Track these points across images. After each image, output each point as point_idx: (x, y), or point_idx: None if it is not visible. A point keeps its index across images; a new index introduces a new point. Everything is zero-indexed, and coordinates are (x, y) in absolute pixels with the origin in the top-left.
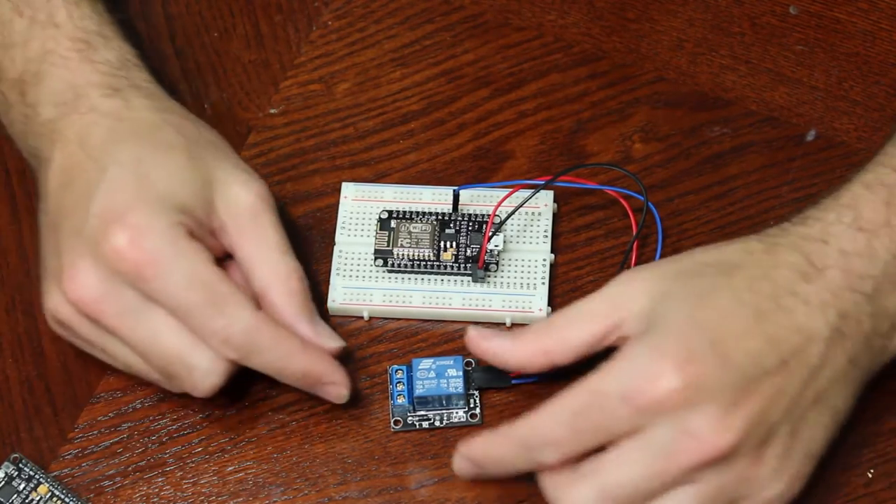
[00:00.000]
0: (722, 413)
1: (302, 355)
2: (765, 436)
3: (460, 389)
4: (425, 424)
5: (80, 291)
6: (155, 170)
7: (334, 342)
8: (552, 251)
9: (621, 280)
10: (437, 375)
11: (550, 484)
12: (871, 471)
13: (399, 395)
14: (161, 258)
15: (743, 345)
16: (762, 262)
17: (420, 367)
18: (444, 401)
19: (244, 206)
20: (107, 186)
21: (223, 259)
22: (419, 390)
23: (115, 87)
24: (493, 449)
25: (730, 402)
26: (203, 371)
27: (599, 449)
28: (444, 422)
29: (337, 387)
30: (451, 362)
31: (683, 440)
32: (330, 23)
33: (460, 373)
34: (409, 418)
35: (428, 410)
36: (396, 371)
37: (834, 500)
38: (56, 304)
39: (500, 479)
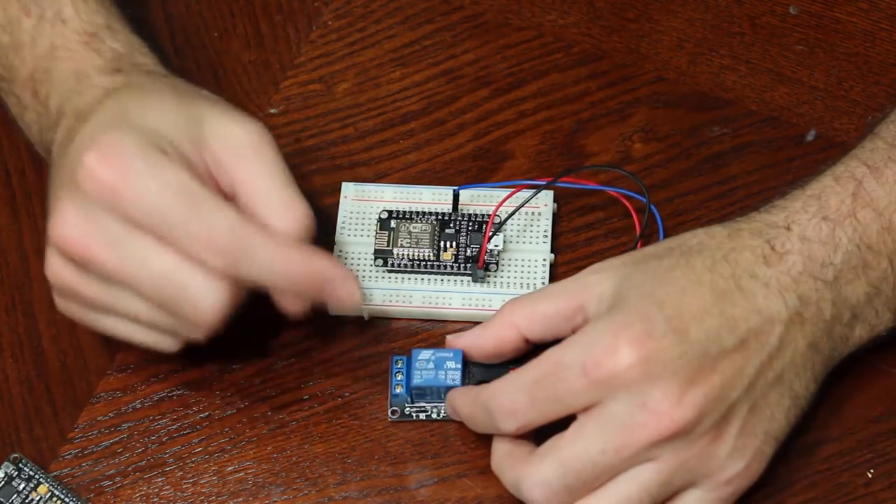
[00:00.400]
0: (680, 388)
1: (300, 253)
2: (724, 413)
3: (457, 382)
4: (422, 416)
5: (62, 230)
6: (137, 110)
7: (352, 285)
8: (552, 251)
9: (594, 267)
10: (436, 367)
11: (507, 468)
12: (871, 471)
13: (398, 384)
14: (132, 171)
15: (701, 323)
16: (723, 245)
17: (419, 358)
18: (443, 393)
19: (241, 140)
20: (88, 128)
21: None
22: (416, 380)
23: (118, 69)
24: (464, 408)
25: (688, 378)
26: (199, 290)
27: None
28: (442, 414)
29: (347, 282)
30: (451, 355)
31: (642, 414)
32: (330, 23)
33: (459, 365)
34: (407, 409)
35: (426, 402)
36: (397, 361)
37: (834, 499)
38: (50, 265)
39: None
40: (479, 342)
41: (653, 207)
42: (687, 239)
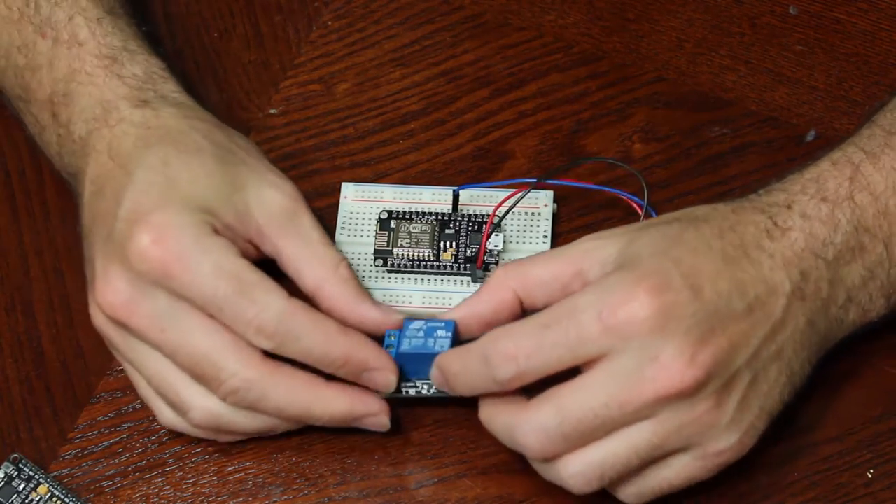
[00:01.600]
0: (692, 346)
1: (343, 338)
2: (727, 380)
3: (445, 349)
4: (412, 392)
5: (109, 296)
6: (182, 172)
7: (397, 315)
8: None
9: (593, 235)
10: (426, 335)
11: (499, 413)
12: (871, 471)
13: None
14: (185, 254)
15: (714, 283)
16: (728, 217)
17: (410, 327)
18: (430, 360)
19: (280, 207)
20: (133, 189)
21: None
22: (404, 346)
23: (144, 99)
24: (454, 364)
25: (700, 337)
26: (231, 371)
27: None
28: (432, 391)
29: (383, 372)
30: (442, 324)
31: (651, 368)
32: (330, 23)
33: (449, 334)
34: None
35: (417, 379)
36: (390, 335)
37: (834, 499)
38: (93, 315)
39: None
40: (475, 309)
41: (653, 212)
42: (692, 210)
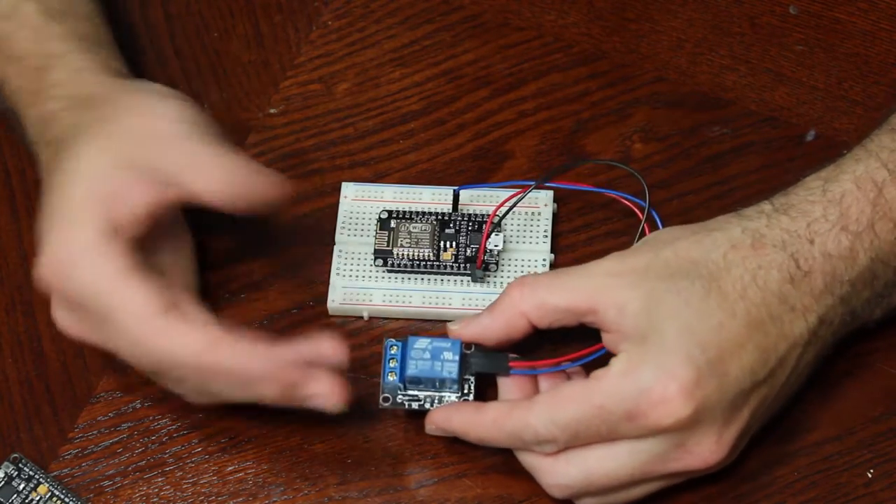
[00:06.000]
0: (718, 432)
1: (268, 359)
2: (740, 435)
3: (454, 375)
4: (415, 405)
5: (40, 282)
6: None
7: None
8: (552, 251)
9: (609, 266)
10: (433, 357)
11: (529, 456)
12: (871, 471)
13: (391, 371)
14: (71, 279)
15: (739, 359)
16: (749, 260)
17: (415, 347)
18: (438, 383)
19: (166, 121)
20: (52, 194)
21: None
22: (411, 370)
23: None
24: (478, 431)
25: (724, 420)
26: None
27: None
28: (434, 404)
29: (324, 393)
30: (449, 345)
31: (677, 453)
32: (330, 23)
33: (457, 357)
34: (399, 397)
35: (419, 391)
36: (391, 347)
37: (834, 499)
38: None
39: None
40: (487, 333)
41: (655, 214)
42: (709, 251)
